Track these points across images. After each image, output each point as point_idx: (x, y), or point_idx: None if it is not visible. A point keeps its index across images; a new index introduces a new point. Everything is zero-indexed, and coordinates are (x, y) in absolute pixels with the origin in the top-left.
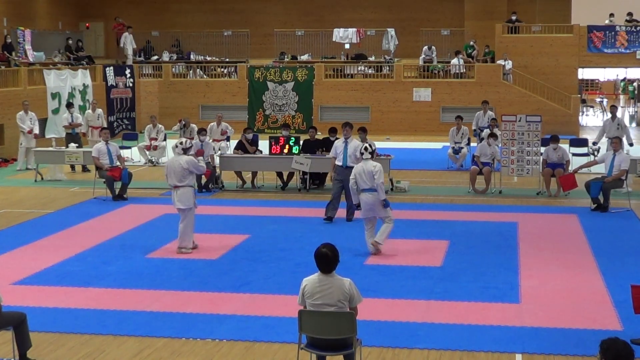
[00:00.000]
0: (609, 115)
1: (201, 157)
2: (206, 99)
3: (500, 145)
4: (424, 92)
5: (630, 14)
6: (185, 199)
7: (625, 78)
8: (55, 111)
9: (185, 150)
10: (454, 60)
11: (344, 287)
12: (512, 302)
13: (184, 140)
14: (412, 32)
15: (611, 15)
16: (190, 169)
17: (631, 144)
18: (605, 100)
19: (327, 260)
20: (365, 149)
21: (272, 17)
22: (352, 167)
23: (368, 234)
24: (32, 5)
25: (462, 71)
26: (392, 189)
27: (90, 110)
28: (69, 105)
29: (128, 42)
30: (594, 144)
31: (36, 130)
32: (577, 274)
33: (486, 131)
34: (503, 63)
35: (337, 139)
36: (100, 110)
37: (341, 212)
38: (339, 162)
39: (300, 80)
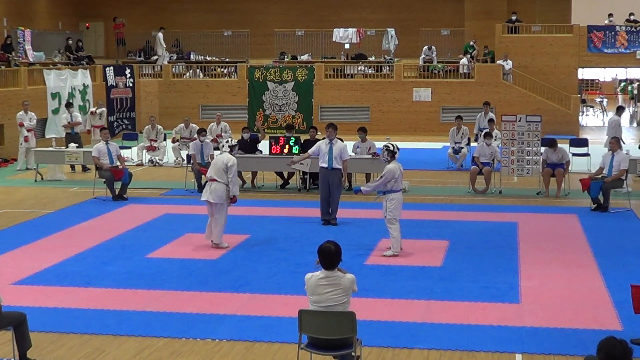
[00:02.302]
0: (610, 114)
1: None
2: (206, 99)
3: (500, 145)
4: (424, 92)
5: (631, 14)
6: (217, 194)
7: (626, 78)
8: (55, 111)
9: (232, 148)
10: (463, 60)
11: (350, 283)
12: (512, 302)
13: (229, 138)
14: (412, 32)
15: (610, 15)
16: (228, 170)
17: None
18: (605, 100)
19: (329, 254)
20: (398, 148)
21: (272, 17)
22: (339, 169)
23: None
24: (32, 5)
25: (469, 71)
26: None
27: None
28: (68, 105)
29: (158, 42)
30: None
31: (30, 126)
32: (577, 274)
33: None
34: (503, 63)
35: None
36: (103, 108)
37: (343, 213)
38: (324, 164)
39: (300, 80)
